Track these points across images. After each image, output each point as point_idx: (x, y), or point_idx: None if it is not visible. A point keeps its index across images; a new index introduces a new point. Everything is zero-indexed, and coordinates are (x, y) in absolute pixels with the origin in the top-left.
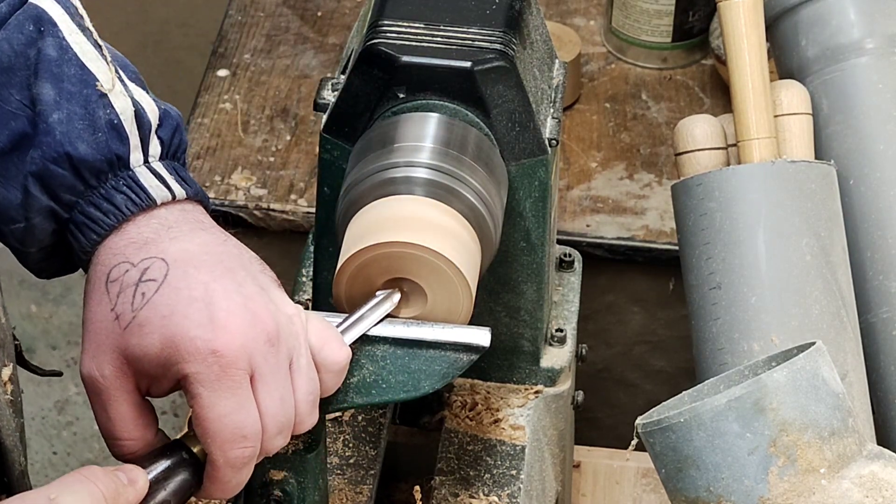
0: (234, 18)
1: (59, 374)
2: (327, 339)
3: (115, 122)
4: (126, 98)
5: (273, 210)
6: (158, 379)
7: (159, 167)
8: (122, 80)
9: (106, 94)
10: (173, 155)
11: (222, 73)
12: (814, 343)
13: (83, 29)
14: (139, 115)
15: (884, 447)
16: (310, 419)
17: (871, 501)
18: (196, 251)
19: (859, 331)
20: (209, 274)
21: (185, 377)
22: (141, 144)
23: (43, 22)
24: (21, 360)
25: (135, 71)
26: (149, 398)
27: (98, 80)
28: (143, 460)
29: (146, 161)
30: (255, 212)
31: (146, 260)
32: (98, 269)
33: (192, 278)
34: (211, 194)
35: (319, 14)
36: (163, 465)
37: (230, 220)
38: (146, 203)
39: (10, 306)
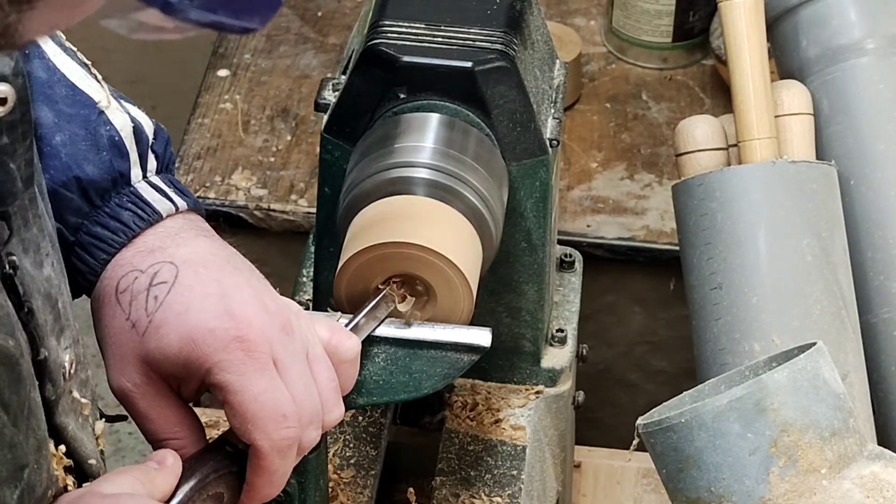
0: None
1: (125, 418)
2: (335, 330)
3: (116, 138)
4: (123, 114)
5: (273, 210)
6: (184, 380)
7: (158, 181)
8: (115, 97)
9: (104, 112)
10: (166, 168)
11: (223, 73)
12: (815, 343)
13: (65, 49)
14: (137, 131)
15: (885, 447)
16: (337, 409)
17: (872, 502)
18: (203, 253)
19: (860, 331)
20: (219, 272)
21: (210, 370)
22: (140, 160)
23: None
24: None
25: (114, 89)
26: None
27: (93, 98)
28: (190, 460)
29: (145, 176)
30: (256, 212)
31: (155, 265)
32: (106, 284)
33: (202, 276)
34: (211, 194)
35: (320, 14)
36: (210, 461)
37: (230, 220)
38: (153, 218)
39: None
